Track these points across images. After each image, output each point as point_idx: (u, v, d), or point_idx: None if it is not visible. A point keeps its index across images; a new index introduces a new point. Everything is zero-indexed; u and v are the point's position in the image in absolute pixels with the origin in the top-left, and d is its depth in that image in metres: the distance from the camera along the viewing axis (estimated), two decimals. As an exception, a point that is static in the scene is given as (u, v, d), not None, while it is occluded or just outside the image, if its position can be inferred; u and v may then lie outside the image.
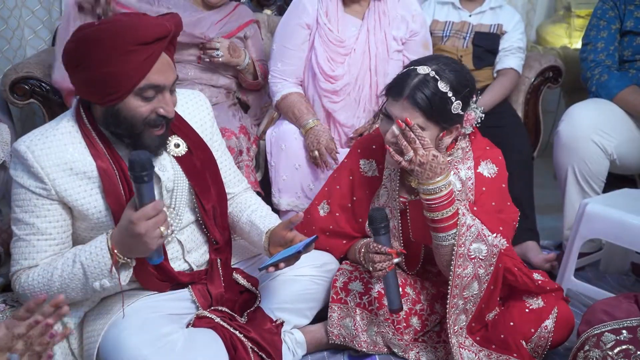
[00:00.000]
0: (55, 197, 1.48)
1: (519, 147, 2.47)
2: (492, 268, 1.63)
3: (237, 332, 1.61)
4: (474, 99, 1.71)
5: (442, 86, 1.59)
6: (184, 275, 1.65)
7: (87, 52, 1.41)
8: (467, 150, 1.76)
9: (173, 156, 1.59)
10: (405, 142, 1.57)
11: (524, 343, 1.70)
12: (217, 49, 2.32)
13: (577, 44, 3.24)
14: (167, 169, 1.56)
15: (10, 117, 2.55)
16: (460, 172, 1.73)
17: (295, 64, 2.33)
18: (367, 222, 1.66)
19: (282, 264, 1.56)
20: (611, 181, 2.47)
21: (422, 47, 2.42)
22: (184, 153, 1.60)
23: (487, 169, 1.76)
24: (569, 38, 3.39)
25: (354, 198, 1.84)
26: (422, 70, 1.61)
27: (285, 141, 2.24)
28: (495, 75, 2.70)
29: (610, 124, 2.34)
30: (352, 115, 2.33)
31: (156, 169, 1.55)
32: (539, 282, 1.74)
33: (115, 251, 1.41)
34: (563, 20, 3.46)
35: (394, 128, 1.60)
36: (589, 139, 2.30)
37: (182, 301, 1.65)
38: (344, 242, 1.86)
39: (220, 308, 1.66)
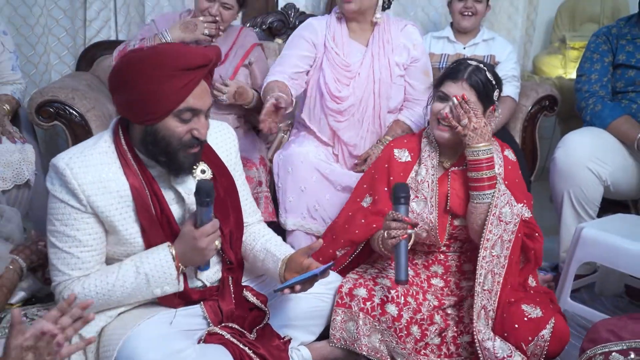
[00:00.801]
0: (91, 211, 1.50)
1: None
2: (513, 235, 1.82)
3: (246, 349, 1.59)
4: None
5: (490, 75, 1.91)
6: (195, 293, 1.65)
7: (134, 73, 1.45)
8: (493, 141, 1.98)
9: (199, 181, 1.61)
10: (462, 111, 1.83)
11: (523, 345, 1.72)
12: (224, 93, 2.36)
13: (572, 75, 3.28)
14: (192, 192, 1.58)
15: (35, 137, 2.57)
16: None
17: (289, 65, 2.36)
18: (391, 193, 1.75)
19: (297, 287, 1.57)
20: (605, 206, 2.47)
21: (422, 74, 2.46)
22: (210, 177, 1.62)
23: (510, 155, 2.01)
24: (564, 69, 3.41)
25: (391, 178, 1.98)
26: (472, 62, 1.93)
27: (292, 164, 2.25)
28: None
29: (604, 152, 2.34)
30: (356, 135, 2.36)
31: (181, 192, 1.58)
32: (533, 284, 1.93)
33: (180, 266, 1.55)
34: (558, 52, 3.48)
35: (453, 99, 1.85)
36: (584, 165, 2.31)
37: (194, 317, 1.64)
38: (374, 225, 1.91)
39: (230, 324, 1.64)
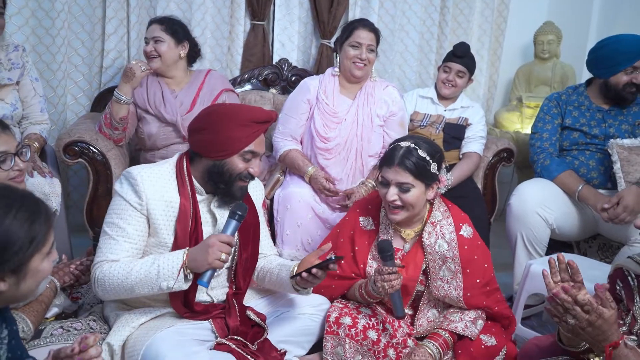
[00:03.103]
0: (145, 213, 1.76)
1: (478, 213, 2.69)
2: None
3: (249, 357, 1.80)
4: (444, 165, 2.02)
5: (422, 153, 1.93)
6: (200, 306, 1.86)
7: (216, 121, 1.79)
8: (448, 217, 2.03)
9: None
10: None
11: None
12: None
13: (527, 130, 3.49)
14: (225, 218, 1.82)
15: (59, 173, 2.69)
16: (445, 235, 2.01)
17: (292, 127, 2.66)
18: (378, 251, 1.93)
19: (314, 270, 1.79)
20: (553, 245, 2.67)
21: (398, 126, 2.75)
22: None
23: (466, 232, 2.03)
24: (520, 124, 3.63)
25: (356, 248, 2.08)
26: (404, 144, 1.96)
27: (290, 202, 2.49)
28: (461, 156, 2.94)
29: (551, 200, 2.56)
30: (341, 171, 2.65)
31: (217, 214, 1.86)
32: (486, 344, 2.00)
33: (186, 263, 1.70)
34: (516, 109, 3.70)
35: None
36: (534, 211, 2.53)
37: (204, 330, 1.84)
38: (342, 288, 2.09)
39: (235, 337, 1.85)
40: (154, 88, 2.65)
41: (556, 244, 2.76)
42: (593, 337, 1.41)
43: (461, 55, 2.95)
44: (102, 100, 3.10)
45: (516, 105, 3.74)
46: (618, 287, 1.61)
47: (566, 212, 2.61)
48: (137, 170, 1.79)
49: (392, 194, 1.93)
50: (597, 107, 2.72)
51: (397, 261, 1.99)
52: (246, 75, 3.33)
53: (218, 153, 1.80)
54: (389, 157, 1.95)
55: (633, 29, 3.09)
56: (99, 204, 2.59)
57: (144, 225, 1.78)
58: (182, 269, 1.70)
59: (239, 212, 1.76)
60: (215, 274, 1.82)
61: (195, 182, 1.85)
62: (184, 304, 1.82)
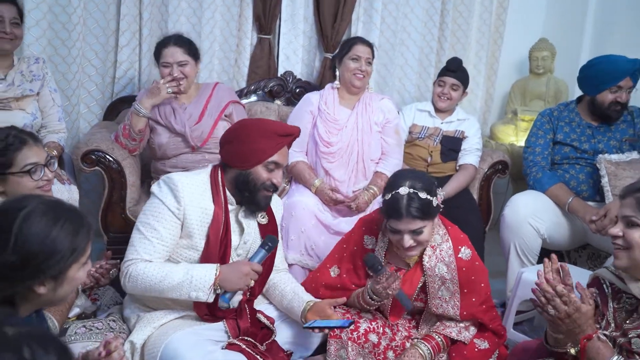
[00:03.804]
0: (181, 217, 1.90)
1: (474, 223, 2.82)
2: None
3: (259, 357, 1.92)
4: (439, 191, 2.07)
5: (422, 195, 1.95)
6: (219, 311, 2.00)
7: (243, 133, 1.98)
8: (447, 240, 2.08)
9: (258, 223, 2.04)
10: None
11: None
12: None
13: (522, 142, 3.47)
14: (251, 228, 2.01)
15: (76, 180, 2.83)
16: (445, 259, 2.08)
17: (301, 141, 2.79)
18: (367, 267, 2.04)
19: (326, 330, 1.97)
20: (545, 255, 2.69)
21: (394, 132, 2.94)
22: (265, 222, 2.06)
23: (464, 254, 2.08)
24: (515, 136, 3.72)
25: (359, 263, 2.17)
26: (403, 191, 1.95)
27: (295, 210, 2.63)
28: (458, 168, 3.07)
29: (542, 211, 2.68)
30: (344, 173, 2.83)
31: (244, 223, 2.01)
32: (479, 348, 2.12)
33: (217, 279, 1.86)
34: (511, 122, 3.79)
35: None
36: (526, 221, 2.66)
37: (217, 331, 1.98)
38: (345, 294, 2.19)
39: (246, 338, 1.98)
40: (165, 100, 2.78)
41: (548, 254, 2.70)
42: (570, 329, 1.58)
43: (454, 70, 3.11)
44: (114, 109, 3.24)
45: (511, 118, 3.84)
46: (595, 294, 1.75)
47: (557, 223, 2.73)
48: (178, 177, 1.94)
49: (408, 240, 1.98)
50: (587, 124, 2.86)
51: (386, 268, 2.08)
52: (252, 87, 3.46)
53: (244, 163, 1.95)
54: (395, 210, 1.95)
55: (625, 46, 3.27)
56: (114, 210, 2.71)
57: (177, 229, 1.92)
58: (212, 286, 1.85)
59: (270, 244, 1.94)
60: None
61: (228, 192, 2.00)
62: (207, 309, 1.96)
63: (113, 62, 3.33)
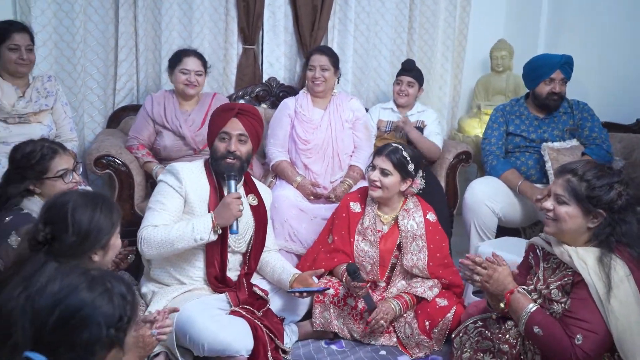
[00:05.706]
0: (183, 193, 2.34)
1: (440, 207, 3.11)
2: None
3: (257, 321, 2.33)
4: (421, 173, 2.58)
5: (405, 153, 2.54)
6: (230, 282, 2.43)
7: (211, 119, 2.47)
8: (418, 206, 2.60)
9: (250, 204, 2.45)
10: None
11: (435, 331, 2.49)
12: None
13: None
14: (245, 209, 2.39)
15: (88, 183, 3.17)
16: (416, 218, 2.58)
17: (280, 138, 3.24)
18: (347, 274, 2.44)
19: (304, 294, 2.39)
20: (504, 231, 3.18)
21: (363, 128, 3.38)
22: (255, 204, 2.47)
23: (431, 217, 2.62)
24: (480, 129, 3.98)
25: (350, 227, 2.62)
26: (395, 144, 2.58)
27: (278, 202, 3.00)
28: None
29: (497, 194, 3.09)
30: (321, 167, 3.25)
31: (225, 192, 2.39)
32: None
33: (214, 222, 2.26)
34: (476, 116, 4.12)
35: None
36: (483, 203, 3.06)
37: (220, 302, 2.38)
38: (335, 259, 2.61)
39: (245, 306, 2.39)
40: (170, 107, 3.19)
41: (508, 230, 3.27)
42: (495, 288, 2.00)
43: (409, 69, 3.59)
44: (116, 118, 3.60)
45: (476, 112, 4.14)
46: (530, 257, 2.18)
47: (510, 203, 3.13)
48: (178, 164, 2.42)
49: (375, 175, 2.52)
50: (534, 116, 3.28)
51: (362, 252, 2.57)
52: (240, 93, 3.81)
53: (211, 139, 2.44)
54: (381, 150, 2.54)
55: (573, 45, 3.75)
56: (124, 207, 3.06)
57: (180, 203, 2.35)
58: (213, 227, 2.26)
59: (232, 173, 2.33)
60: (233, 257, 2.41)
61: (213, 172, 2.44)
62: (219, 281, 2.38)
63: (113, 76, 3.67)
